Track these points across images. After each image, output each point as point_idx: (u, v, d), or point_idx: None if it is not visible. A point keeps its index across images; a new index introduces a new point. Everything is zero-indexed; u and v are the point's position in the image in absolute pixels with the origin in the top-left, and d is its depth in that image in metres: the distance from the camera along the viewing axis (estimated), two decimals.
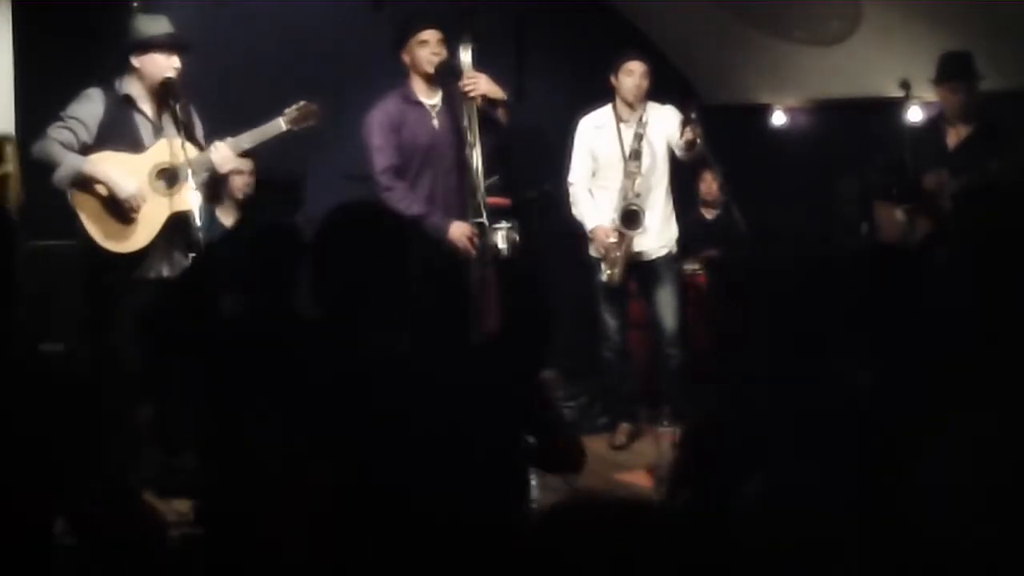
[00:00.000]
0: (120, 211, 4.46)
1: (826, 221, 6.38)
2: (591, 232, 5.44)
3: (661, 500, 3.25)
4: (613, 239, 5.38)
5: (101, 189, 4.43)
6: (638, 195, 5.35)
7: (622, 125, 5.44)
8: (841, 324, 2.92)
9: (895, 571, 2.46)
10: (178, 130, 4.50)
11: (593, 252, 5.48)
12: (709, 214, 6.60)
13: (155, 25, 4.56)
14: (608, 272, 5.41)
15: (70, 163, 4.37)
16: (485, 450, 2.63)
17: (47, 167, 4.39)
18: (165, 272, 4.54)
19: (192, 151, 4.58)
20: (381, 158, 4.98)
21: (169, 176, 4.54)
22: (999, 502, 2.50)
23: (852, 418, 2.78)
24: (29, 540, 2.23)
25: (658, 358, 5.65)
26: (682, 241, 5.72)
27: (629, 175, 5.34)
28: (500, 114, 5.08)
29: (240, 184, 5.50)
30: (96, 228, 4.43)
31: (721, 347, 3.38)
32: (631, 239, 5.39)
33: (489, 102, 5.03)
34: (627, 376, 5.69)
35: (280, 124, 4.70)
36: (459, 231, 4.97)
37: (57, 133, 4.39)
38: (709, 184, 6.31)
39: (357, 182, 5.17)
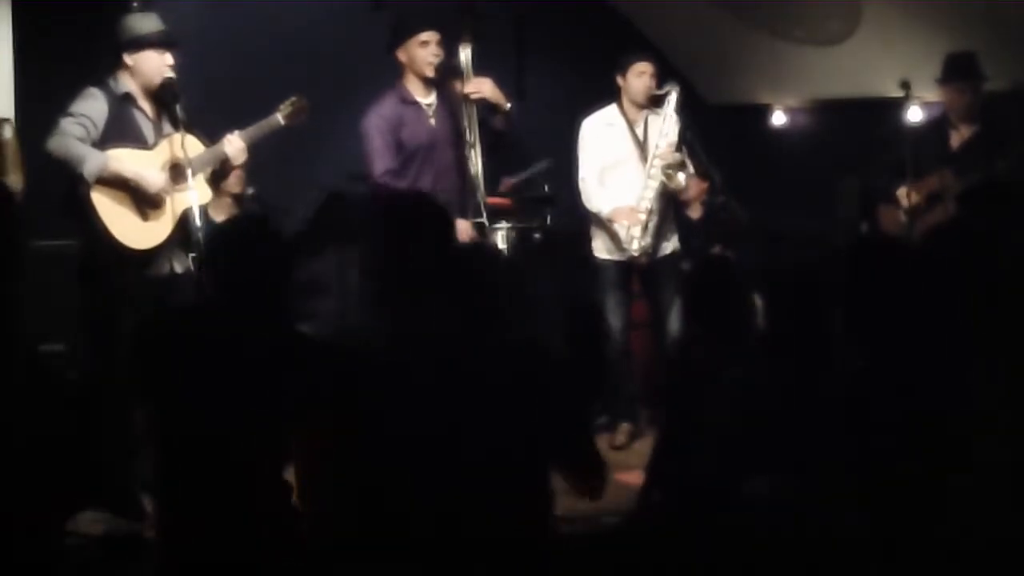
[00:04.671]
0: (142, 207, 4.46)
1: (826, 221, 6.39)
2: (613, 212, 5.41)
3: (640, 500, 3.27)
4: (645, 209, 5.38)
5: (126, 184, 4.42)
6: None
7: (631, 124, 5.48)
8: (840, 323, 2.92)
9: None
10: (177, 127, 4.51)
11: (619, 229, 5.42)
12: (695, 213, 6.59)
13: (146, 23, 4.55)
14: (639, 242, 5.38)
15: (96, 158, 4.35)
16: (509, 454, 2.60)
17: (63, 163, 4.36)
18: (176, 269, 4.54)
19: (197, 146, 4.59)
20: (380, 161, 4.97)
21: (178, 172, 4.54)
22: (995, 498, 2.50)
23: (849, 416, 2.78)
24: (29, 539, 2.23)
25: (660, 358, 5.65)
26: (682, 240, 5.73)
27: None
28: (500, 121, 5.07)
29: (234, 180, 5.50)
30: (115, 224, 4.42)
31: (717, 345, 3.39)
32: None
33: (490, 108, 5.02)
34: (628, 376, 5.69)
35: (278, 119, 4.75)
36: (462, 228, 4.97)
37: (72, 128, 4.36)
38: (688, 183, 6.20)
39: (358, 181, 5.17)
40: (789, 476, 2.69)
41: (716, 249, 6.43)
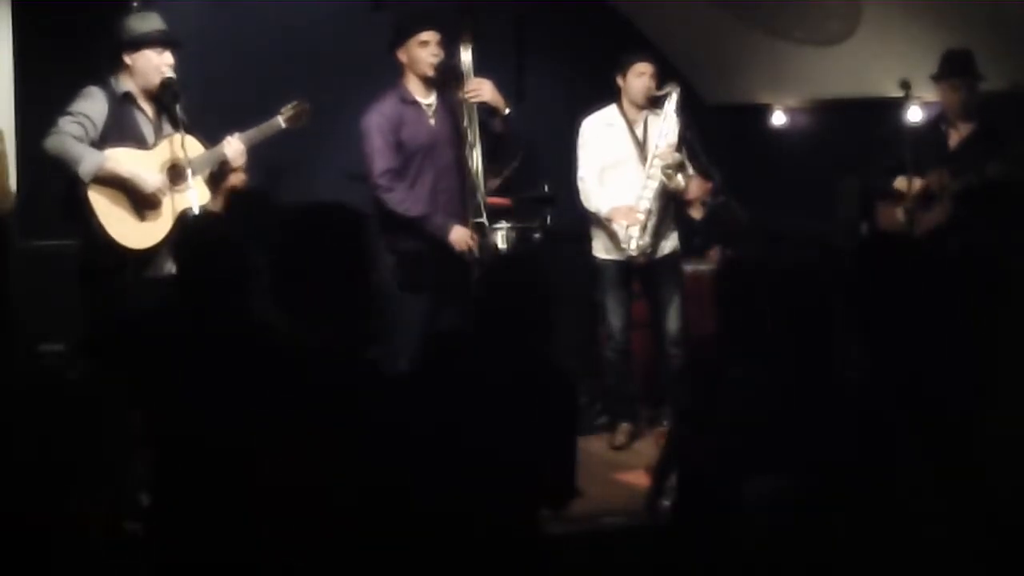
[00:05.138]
0: (139, 207, 4.46)
1: (826, 221, 6.38)
2: (611, 212, 5.42)
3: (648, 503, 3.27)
4: (644, 209, 5.39)
5: (123, 184, 4.42)
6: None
7: (631, 124, 5.49)
8: (842, 323, 2.92)
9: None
10: (177, 127, 4.51)
11: (617, 229, 5.42)
12: (696, 214, 6.59)
13: (146, 23, 4.55)
14: (637, 241, 5.39)
15: (92, 157, 4.35)
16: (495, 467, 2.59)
17: (60, 162, 4.35)
18: (173, 270, 4.54)
19: (196, 147, 4.60)
20: (380, 160, 4.97)
21: (177, 173, 4.55)
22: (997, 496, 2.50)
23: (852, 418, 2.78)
24: (28, 540, 2.23)
25: (660, 358, 5.65)
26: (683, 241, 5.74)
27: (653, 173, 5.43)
28: (499, 124, 5.06)
29: (236, 181, 5.50)
30: (112, 224, 4.42)
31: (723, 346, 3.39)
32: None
33: (489, 111, 5.02)
34: (628, 376, 5.69)
35: (279, 123, 4.81)
36: (460, 235, 4.96)
37: (70, 128, 4.36)
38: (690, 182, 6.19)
39: (358, 181, 5.17)
40: (807, 477, 2.69)
41: (714, 250, 6.44)
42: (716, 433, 2.95)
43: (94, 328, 4.13)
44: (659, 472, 3.43)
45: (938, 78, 5.28)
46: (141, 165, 4.47)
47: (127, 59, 4.51)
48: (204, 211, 4.52)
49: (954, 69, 5.22)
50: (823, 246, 5.85)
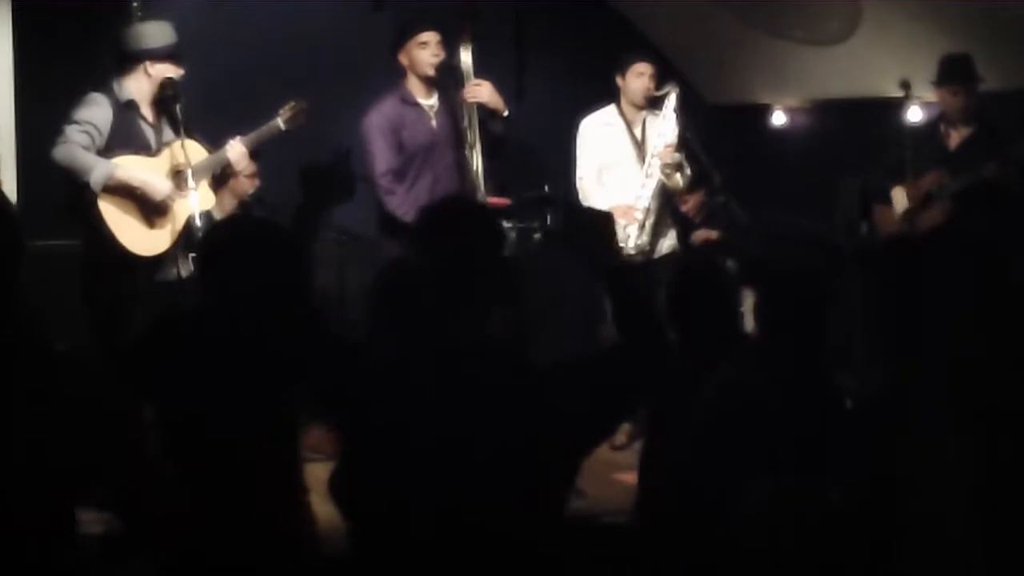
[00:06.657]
0: (149, 214, 4.48)
1: (826, 221, 6.39)
2: (610, 211, 5.42)
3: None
4: (642, 208, 5.42)
5: (133, 192, 4.44)
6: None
7: (630, 124, 5.51)
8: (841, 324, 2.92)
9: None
10: (178, 132, 4.53)
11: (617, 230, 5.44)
12: (697, 216, 6.57)
13: (165, 34, 4.57)
14: (635, 240, 5.41)
15: (102, 167, 4.37)
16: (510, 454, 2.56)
17: (70, 172, 4.36)
18: (182, 274, 4.55)
19: (201, 151, 4.61)
20: (381, 161, 4.97)
21: (182, 178, 4.56)
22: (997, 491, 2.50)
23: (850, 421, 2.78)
24: (30, 539, 2.23)
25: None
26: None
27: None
28: (498, 125, 5.06)
29: (248, 185, 5.50)
30: (122, 232, 4.43)
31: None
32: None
33: (488, 112, 5.02)
34: None
35: (279, 124, 4.81)
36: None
37: (78, 137, 4.37)
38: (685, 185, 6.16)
39: (359, 181, 5.17)
40: (780, 479, 2.69)
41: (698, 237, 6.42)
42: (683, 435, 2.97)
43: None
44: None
45: (937, 84, 5.28)
46: (150, 172, 4.49)
47: (147, 68, 4.51)
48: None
49: (953, 75, 5.22)
50: (823, 246, 5.86)
